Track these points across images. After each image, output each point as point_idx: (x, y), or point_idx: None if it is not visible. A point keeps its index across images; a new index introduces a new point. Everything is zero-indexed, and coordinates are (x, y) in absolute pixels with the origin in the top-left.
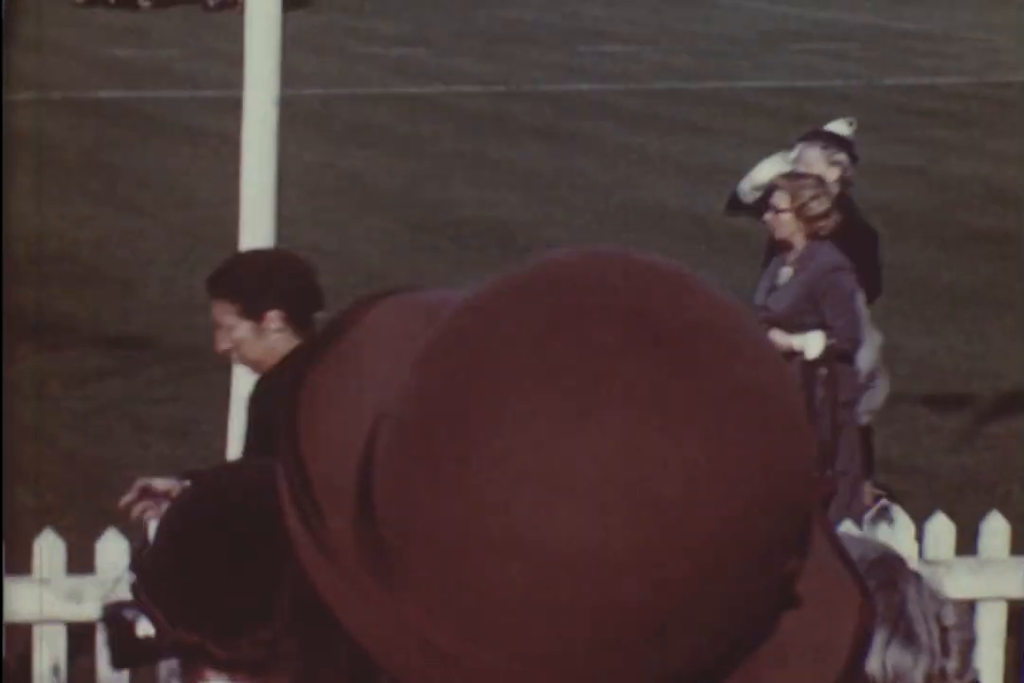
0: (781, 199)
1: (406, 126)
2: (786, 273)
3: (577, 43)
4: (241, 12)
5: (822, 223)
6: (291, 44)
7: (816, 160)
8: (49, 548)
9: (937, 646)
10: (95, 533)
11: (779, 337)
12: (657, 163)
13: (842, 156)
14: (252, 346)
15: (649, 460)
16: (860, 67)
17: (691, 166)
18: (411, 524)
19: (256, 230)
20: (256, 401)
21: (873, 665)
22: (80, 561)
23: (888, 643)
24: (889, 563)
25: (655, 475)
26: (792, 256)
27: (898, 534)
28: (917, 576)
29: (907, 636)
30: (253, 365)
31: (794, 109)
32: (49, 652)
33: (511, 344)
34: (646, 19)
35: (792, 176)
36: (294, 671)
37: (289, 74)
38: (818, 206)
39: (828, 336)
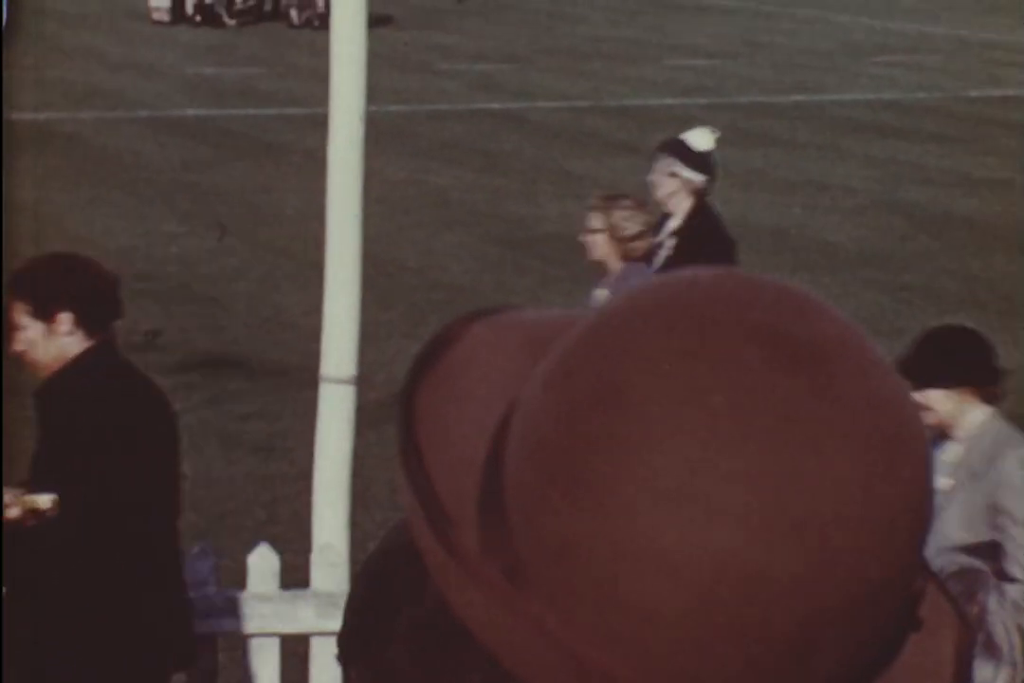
0: (595, 220)
1: (490, 142)
2: (600, 295)
3: (661, 57)
4: (326, 29)
5: (634, 244)
6: (375, 61)
7: (660, 170)
8: None
9: (1019, 657)
10: (186, 549)
11: None
12: (742, 177)
13: (682, 168)
14: (43, 348)
15: (803, 481)
16: (944, 79)
17: (775, 179)
18: (554, 542)
19: (342, 246)
20: (43, 403)
21: None
22: None
23: None
24: (970, 574)
25: (811, 496)
26: (608, 278)
27: None
28: (999, 587)
29: (987, 647)
30: (44, 368)
31: (878, 121)
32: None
33: (654, 363)
34: (729, 33)
35: (607, 197)
36: None
37: (373, 91)
38: (630, 228)
39: None
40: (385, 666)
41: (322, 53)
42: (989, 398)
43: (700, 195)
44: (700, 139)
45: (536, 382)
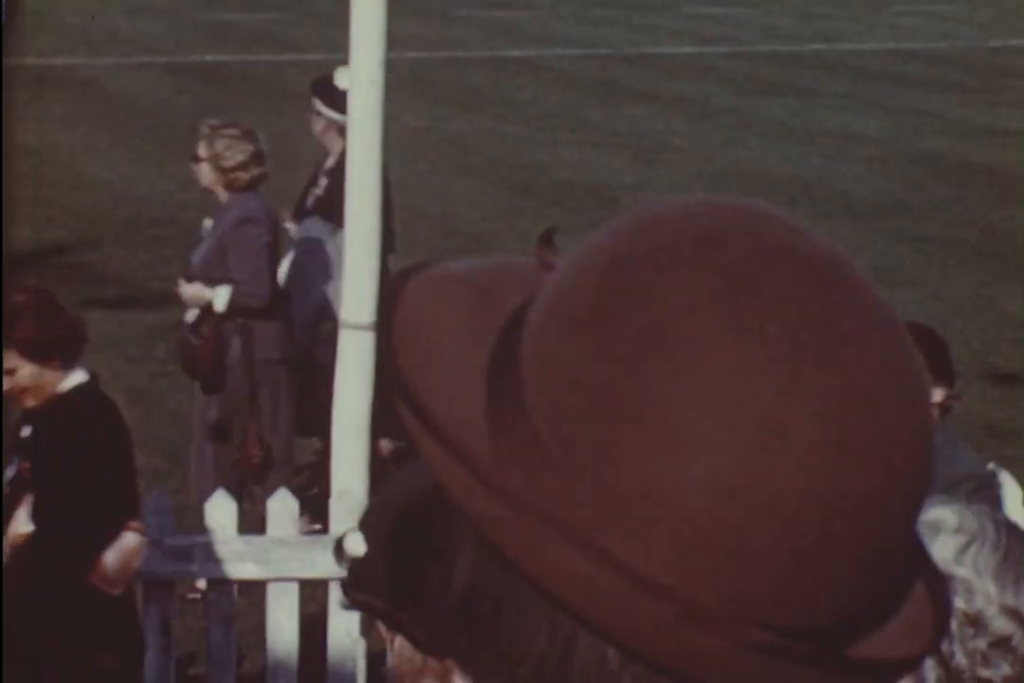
0: (200, 148)
1: (509, 89)
2: (207, 225)
3: (681, 6)
4: None
5: (237, 174)
6: (394, 7)
7: (311, 109)
8: (158, 510)
9: None
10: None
11: (194, 289)
12: (760, 126)
13: (324, 108)
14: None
15: (863, 400)
16: (965, 28)
17: (794, 128)
18: (630, 487)
19: (361, 193)
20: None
21: None
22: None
23: None
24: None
25: (872, 414)
26: (216, 208)
27: (1005, 498)
28: None
29: None
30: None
31: (898, 71)
32: (158, 610)
33: (699, 299)
34: None
35: (213, 126)
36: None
37: (391, 37)
38: (232, 157)
39: (234, 290)
40: (441, 607)
41: None
42: None
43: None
44: (345, 78)
45: (554, 328)
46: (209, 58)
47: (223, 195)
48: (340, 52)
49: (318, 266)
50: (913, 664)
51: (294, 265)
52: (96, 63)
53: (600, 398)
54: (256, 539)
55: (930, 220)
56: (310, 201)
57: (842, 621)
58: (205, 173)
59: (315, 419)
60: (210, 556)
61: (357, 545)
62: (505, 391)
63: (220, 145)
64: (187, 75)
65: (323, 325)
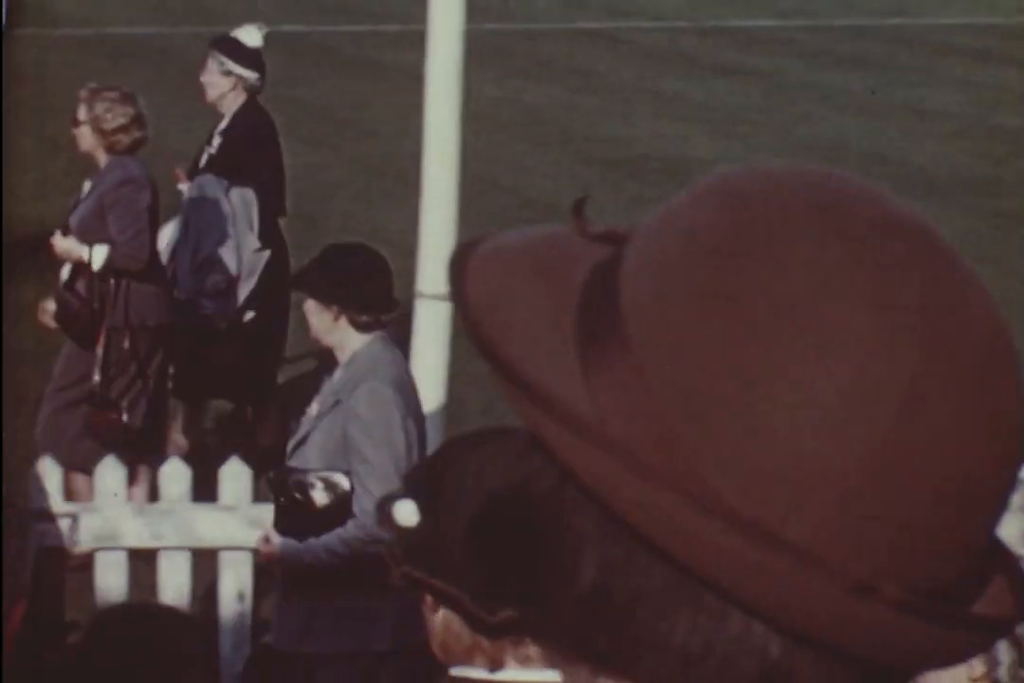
0: (80, 111)
1: (585, 61)
2: (87, 187)
3: None
4: None
5: (118, 137)
6: None
7: (211, 69)
8: (234, 476)
9: None
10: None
11: (68, 244)
12: (838, 100)
13: (235, 66)
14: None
15: (998, 372)
16: None
17: (871, 103)
18: (738, 435)
19: (439, 163)
20: None
21: None
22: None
23: None
24: None
25: (1004, 389)
26: (93, 171)
27: None
28: None
29: None
30: None
31: (977, 46)
32: (234, 577)
33: (831, 273)
34: None
35: (93, 89)
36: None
37: (469, 8)
38: (113, 120)
39: (113, 250)
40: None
41: None
42: (362, 326)
43: (252, 94)
44: (250, 36)
45: (674, 310)
46: (286, 28)
47: (103, 159)
48: (418, 23)
49: (210, 221)
50: (1018, 620)
51: (184, 220)
52: (173, 32)
53: (740, 379)
54: None
55: (1008, 196)
56: (203, 160)
57: (968, 581)
58: (85, 137)
59: (203, 381)
60: None
61: (411, 514)
62: (623, 379)
63: (100, 108)
64: (263, 46)
65: (210, 278)
